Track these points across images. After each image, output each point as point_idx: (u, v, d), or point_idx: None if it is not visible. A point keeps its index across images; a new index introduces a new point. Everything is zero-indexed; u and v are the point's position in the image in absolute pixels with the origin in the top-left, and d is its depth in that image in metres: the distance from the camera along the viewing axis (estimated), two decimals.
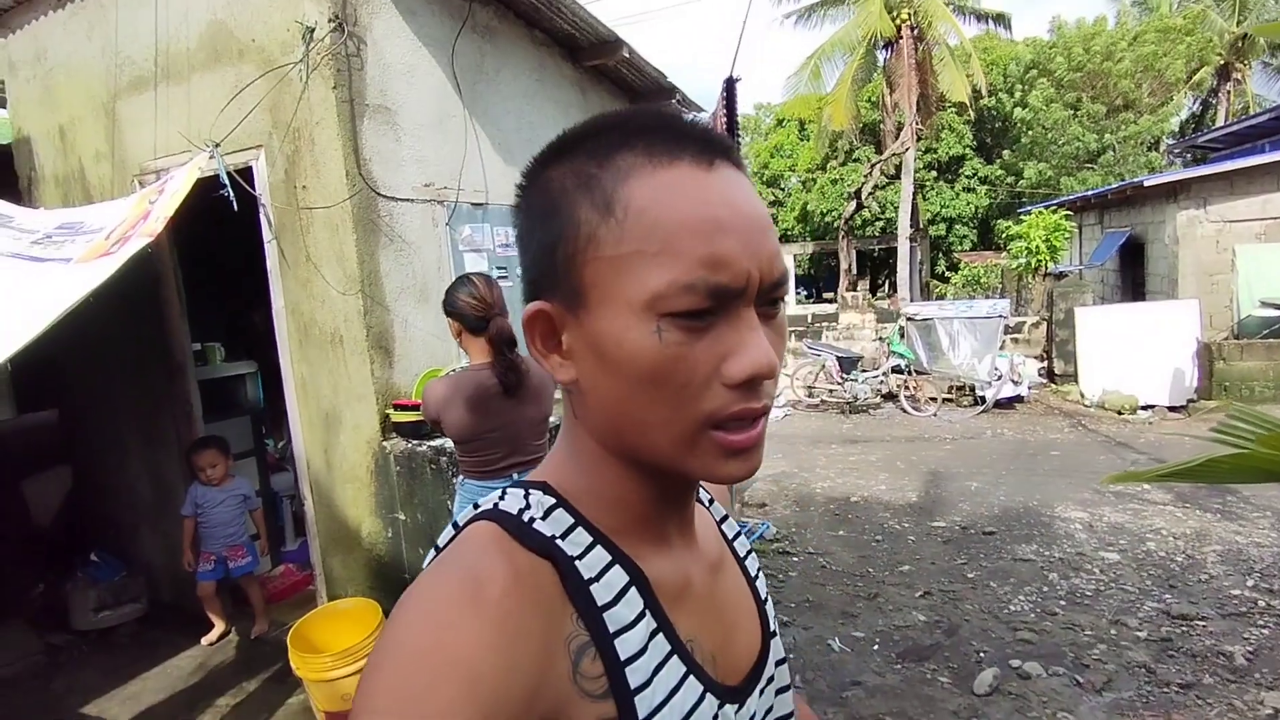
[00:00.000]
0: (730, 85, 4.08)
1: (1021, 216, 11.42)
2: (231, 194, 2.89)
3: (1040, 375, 10.19)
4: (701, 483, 0.66)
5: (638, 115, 0.53)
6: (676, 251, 0.47)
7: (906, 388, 9.44)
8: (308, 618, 2.89)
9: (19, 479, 4.39)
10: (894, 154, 15.16)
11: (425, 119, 3.26)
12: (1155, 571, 4.30)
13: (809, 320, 12.89)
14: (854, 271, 20.55)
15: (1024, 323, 10.60)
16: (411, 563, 3.03)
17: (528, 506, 0.52)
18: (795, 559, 4.83)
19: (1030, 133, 19.16)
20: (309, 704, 2.90)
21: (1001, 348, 9.50)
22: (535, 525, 0.51)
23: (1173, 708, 2.98)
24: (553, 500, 0.54)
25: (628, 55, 4.24)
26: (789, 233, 24.10)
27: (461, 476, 2.45)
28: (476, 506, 0.54)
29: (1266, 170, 9.08)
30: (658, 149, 0.50)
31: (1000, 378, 9.13)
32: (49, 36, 3.68)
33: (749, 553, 0.71)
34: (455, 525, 0.54)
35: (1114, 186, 11.76)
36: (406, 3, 3.13)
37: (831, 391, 9.87)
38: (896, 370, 9.68)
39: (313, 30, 2.79)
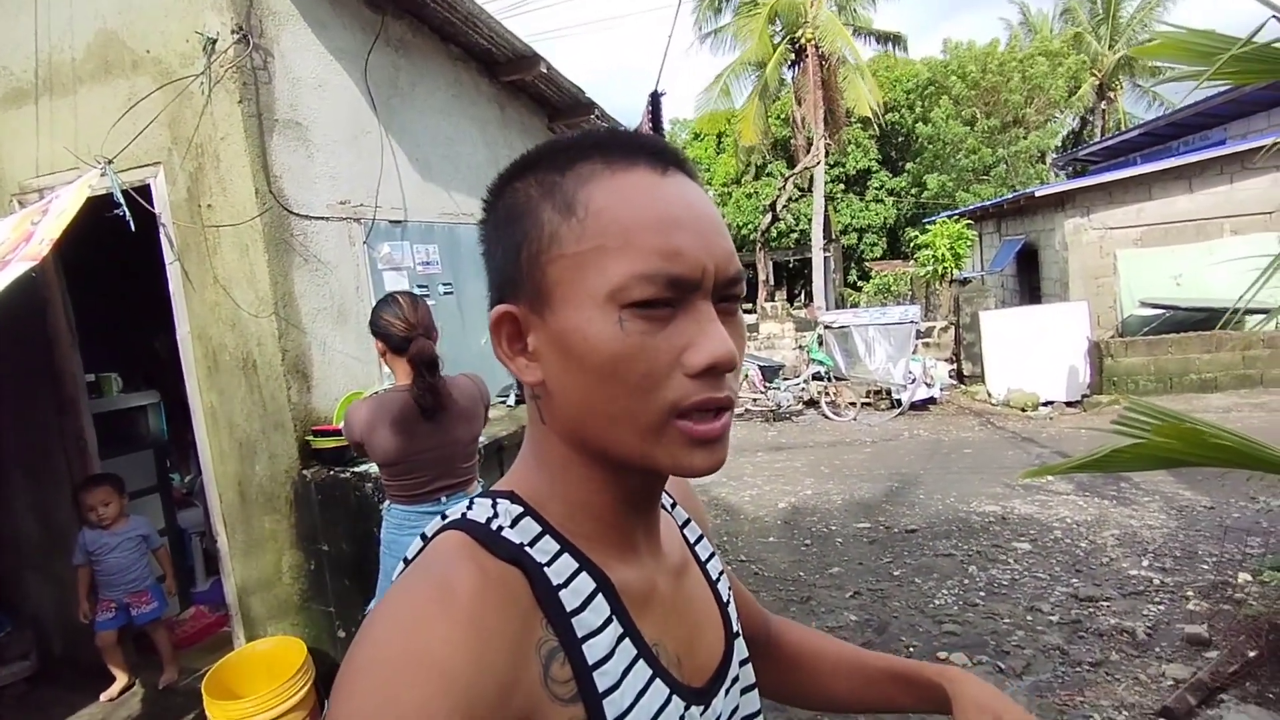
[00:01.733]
0: (655, 99, 4.14)
1: (927, 226, 12.04)
2: (128, 213, 2.70)
3: (951, 377, 10.70)
4: (666, 489, 0.66)
5: (596, 132, 0.56)
6: (635, 245, 0.49)
7: (827, 394, 9.74)
8: (224, 661, 2.72)
9: None
10: (805, 168, 15.71)
11: (339, 135, 3.16)
12: (1063, 558, 4.56)
13: None
14: (771, 282, 21.13)
15: (934, 327, 11.13)
16: (337, 593, 2.89)
17: (495, 515, 0.53)
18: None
19: (932, 146, 20.24)
20: None
21: (914, 352, 9.94)
22: (504, 533, 0.52)
23: (1085, 685, 3.16)
24: (520, 509, 0.54)
25: (545, 70, 4.23)
26: None
27: (388, 502, 2.36)
28: (471, 505, 0.55)
29: (1139, 181, 9.88)
30: (615, 156, 0.53)
31: (914, 381, 9.53)
32: None
33: (711, 555, 0.71)
34: (424, 537, 0.55)
35: (1009, 196, 12.56)
36: (316, 14, 3.03)
37: (755, 400, 10.07)
38: (817, 377, 9.97)
39: (214, 41, 2.66)
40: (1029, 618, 3.82)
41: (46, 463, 3.52)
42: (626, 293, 0.49)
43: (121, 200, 2.69)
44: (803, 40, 15.70)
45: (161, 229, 2.91)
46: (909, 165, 21.85)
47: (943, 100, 19.75)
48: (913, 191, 21.53)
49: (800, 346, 11.46)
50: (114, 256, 3.55)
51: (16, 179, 3.22)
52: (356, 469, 2.82)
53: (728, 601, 0.69)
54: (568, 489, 0.56)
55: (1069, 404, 9.14)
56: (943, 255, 11.28)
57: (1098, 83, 20.61)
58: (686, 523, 0.72)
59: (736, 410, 7.71)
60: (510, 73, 4.26)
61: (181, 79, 2.73)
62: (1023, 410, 9.06)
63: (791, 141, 18.42)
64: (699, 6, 17.17)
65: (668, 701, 0.55)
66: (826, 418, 9.60)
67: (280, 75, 2.85)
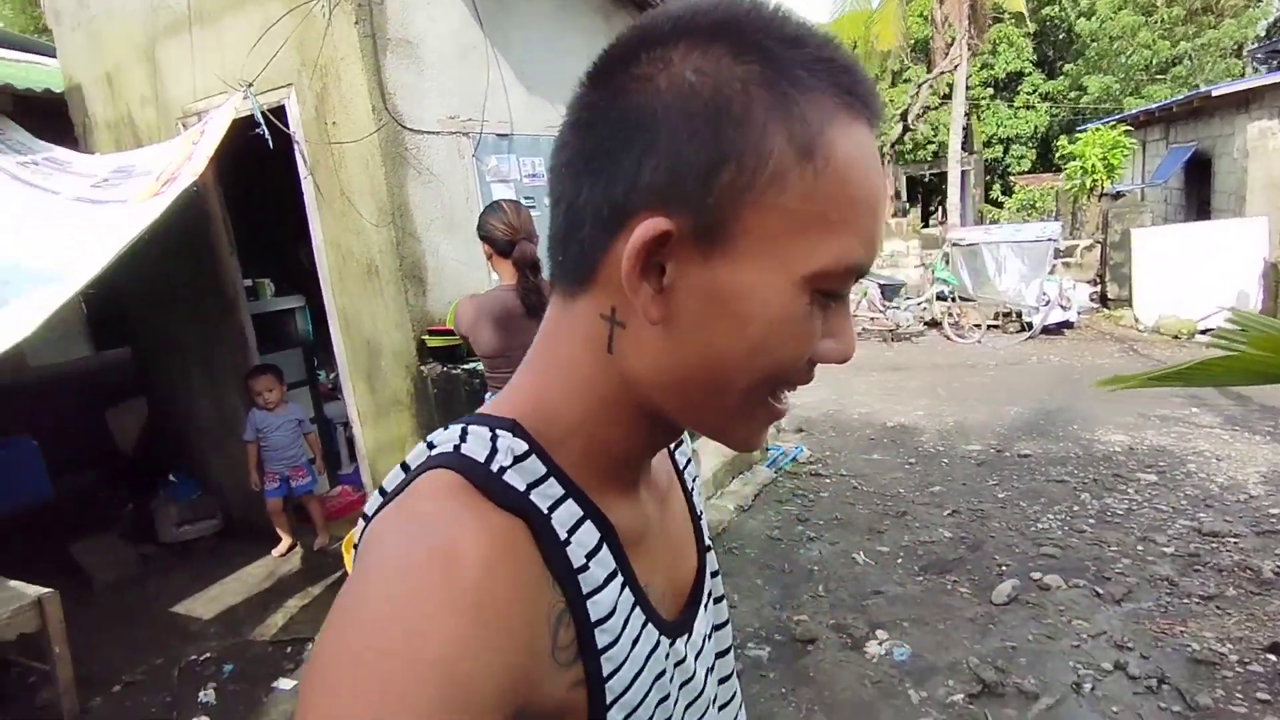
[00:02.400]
0: None
1: (1079, 135, 10.85)
2: (266, 133, 3.01)
3: (1092, 300, 9.87)
4: None
5: (825, 43, 0.45)
6: (855, 228, 0.44)
7: (950, 314, 9.28)
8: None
9: (102, 410, 4.79)
10: (943, 72, 14.41)
11: (447, 51, 3.31)
12: (1192, 492, 4.27)
13: None
14: (904, 198, 19.90)
15: (1076, 246, 10.21)
16: None
17: (495, 452, 0.46)
18: (827, 480, 4.94)
19: (1096, 44, 17.89)
20: None
21: (1051, 272, 9.22)
22: (505, 476, 0.45)
23: (1190, 616, 3.04)
24: (524, 445, 0.47)
25: None
26: None
27: (490, 393, 2.60)
28: (464, 435, 0.47)
29: None
30: (854, 98, 0.44)
31: (1048, 303, 8.88)
32: None
33: (689, 461, 0.69)
34: (405, 467, 0.48)
35: (1179, 98, 10.98)
36: None
37: (873, 319, 9.77)
38: (940, 297, 9.50)
39: None
40: (1140, 548, 3.66)
41: (216, 357, 4.09)
42: (830, 277, 0.44)
43: (261, 121, 2.99)
44: None
45: (296, 146, 3.22)
46: (1068, 66, 19.50)
47: None
48: (1071, 96, 19.28)
49: (925, 265, 10.90)
50: (266, 173, 3.95)
51: (180, 104, 3.63)
52: (466, 366, 3.09)
53: (701, 514, 0.67)
54: (597, 426, 0.50)
55: None
56: (1093, 166, 10.17)
57: None
58: (679, 444, 0.68)
59: (855, 330, 7.81)
60: None
61: (305, 3, 2.95)
62: (1175, 338, 8.26)
63: (931, 43, 16.86)
64: None
65: (656, 644, 0.52)
66: (948, 339, 9.20)
67: None
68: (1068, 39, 19.87)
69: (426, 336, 3.15)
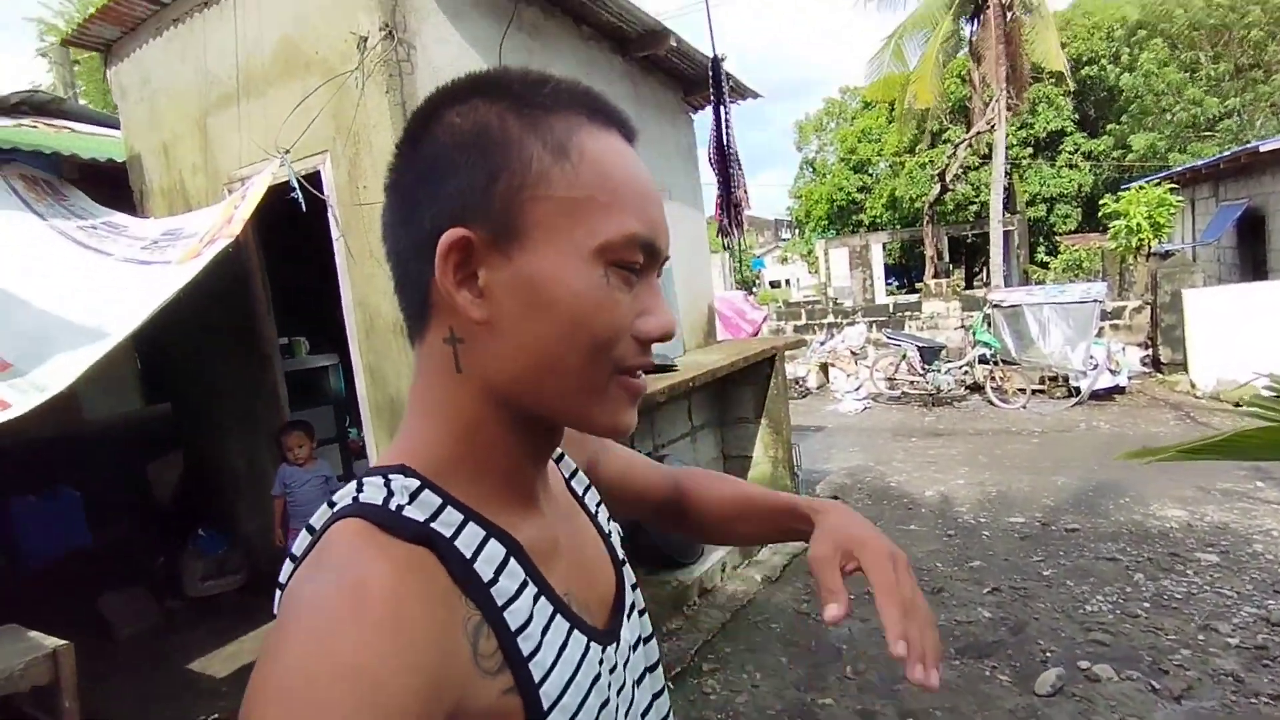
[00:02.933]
0: (715, 65, 4.10)
1: (1123, 192, 10.63)
2: (300, 197, 3.11)
3: (1144, 364, 9.48)
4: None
5: (569, 81, 0.55)
6: (626, 206, 0.51)
7: (993, 378, 9.00)
8: None
9: (145, 463, 4.91)
10: (979, 132, 14.37)
11: None
12: (1259, 575, 3.97)
13: (890, 309, 12.45)
14: (945, 259, 19.69)
15: (1124, 307, 9.87)
16: None
17: (391, 494, 0.49)
18: None
19: (1139, 100, 17.65)
20: None
21: (1099, 334, 8.91)
22: (404, 512, 0.49)
23: (1258, 719, 2.77)
24: (416, 482, 0.51)
25: (676, 44, 4.26)
26: (877, 220, 23.29)
27: None
28: (360, 486, 0.51)
29: None
30: (597, 113, 0.53)
31: (1096, 367, 8.56)
32: (151, 62, 4.05)
33: (587, 488, 0.72)
34: (310, 529, 0.50)
35: (1227, 154, 10.71)
36: (453, 6, 3.27)
37: (913, 383, 9.55)
38: (983, 360, 9.24)
39: (365, 39, 2.97)
40: (1201, 637, 3.38)
41: (250, 412, 4.17)
42: (614, 251, 0.50)
43: (295, 186, 3.09)
44: None
45: (329, 209, 3.32)
46: (1110, 125, 19.29)
47: (1153, 43, 17.00)
48: (1115, 154, 19.02)
49: (965, 327, 10.67)
50: (307, 235, 4.09)
51: (227, 170, 3.80)
52: None
53: (610, 533, 0.70)
54: (473, 447, 0.53)
55: None
56: (1138, 225, 9.91)
57: None
58: (575, 473, 0.71)
59: (893, 392, 7.58)
60: (641, 49, 4.33)
61: (340, 75, 3.08)
62: (1235, 405, 7.85)
63: (969, 103, 16.89)
64: None
65: (586, 650, 0.55)
66: (991, 404, 8.90)
67: (422, 66, 3.12)
68: (1109, 97, 19.72)
69: None
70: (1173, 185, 10.69)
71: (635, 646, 0.66)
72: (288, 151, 3.19)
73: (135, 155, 4.37)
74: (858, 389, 10.42)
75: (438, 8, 3.17)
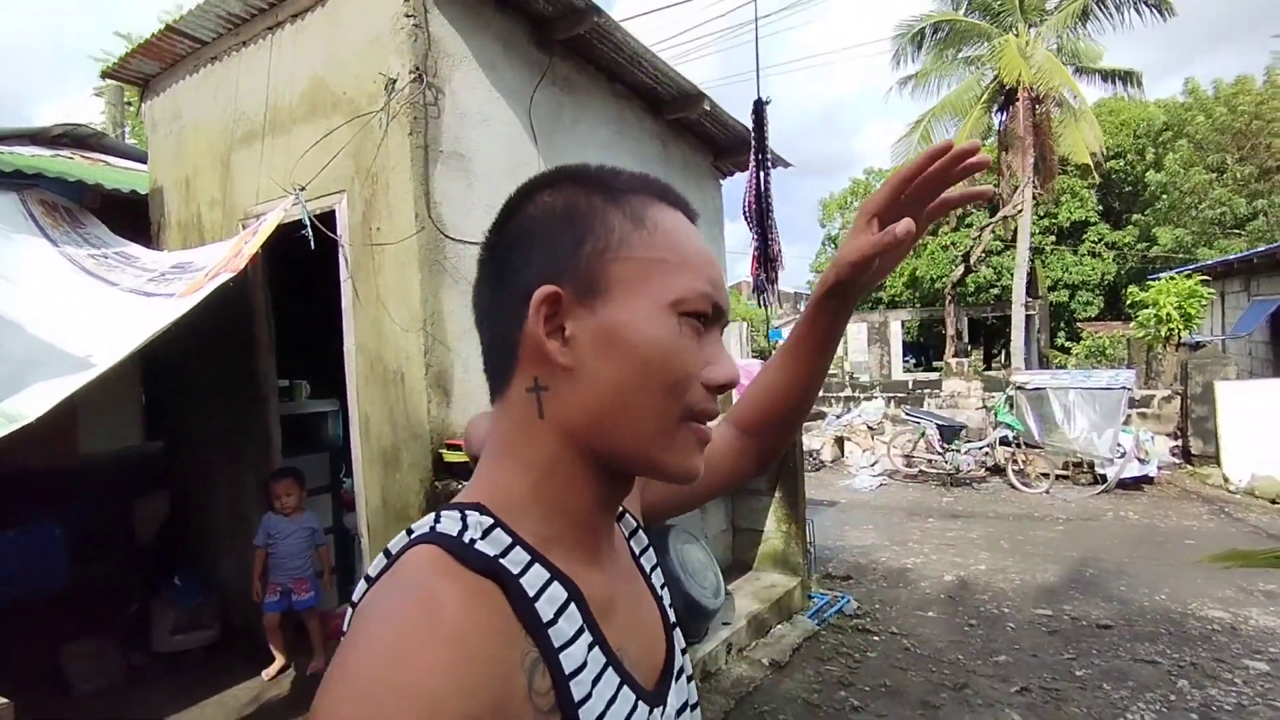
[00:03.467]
0: (759, 108, 4.01)
1: (1150, 283, 10.49)
2: (310, 234, 3.04)
3: (1174, 455, 9.16)
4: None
5: (643, 175, 0.62)
6: (694, 267, 0.58)
7: (1015, 461, 8.71)
8: None
9: (130, 502, 4.72)
10: (1004, 217, 14.45)
11: (499, 166, 3.35)
12: None
13: (909, 386, 12.23)
14: (965, 339, 19.56)
15: (1153, 396, 9.61)
16: None
17: (465, 527, 0.53)
18: (876, 638, 4.42)
19: (1166, 196, 17.76)
20: None
21: (1126, 422, 8.63)
22: (477, 545, 0.52)
23: None
24: (490, 520, 0.55)
25: (709, 109, 4.25)
26: (897, 298, 23.33)
27: None
28: (438, 518, 0.55)
29: None
30: (665, 196, 0.61)
31: (1124, 455, 8.25)
32: (184, 97, 4.09)
33: (645, 549, 0.73)
34: (387, 553, 0.54)
35: (1260, 250, 10.63)
36: (487, 56, 3.27)
37: (931, 462, 9.26)
38: (1004, 442, 8.96)
39: (394, 81, 2.94)
40: None
41: (240, 455, 4.01)
42: (686, 303, 0.56)
43: (307, 224, 3.03)
44: (1014, 84, 14.50)
45: (340, 250, 3.24)
46: (1135, 217, 19.35)
47: (1179, 144, 17.25)
48: (1139, 246, 19.01)
49: (986, 407, 10.42)
50: (320, 278, 4.03)
51: (243, 206, 3.76)
52: None
53: (661, 593, 0.72)
54: (550, 490, 0.57)
55: None
56: (1168, 315, 9.73)
57: None
58: (635, 531, 0.74)
59: (910, 470, 7.34)
60: (674, 111, 4.33)
61: (364, 115, 3.04)
62: (1273, 501, 7.50)
63: (996, 189, 17.10)
64: (899, 43, 16.48)
65: (634, 708, 0.57)
66: (1013, 487, 8.58)
67: (449, 111, 3.09)
68: (1134, 192, 19.86)
69: (445, 450, 2.99)
70: (1204, 278, 10.57)
71: (680, 712, 0.66)
72: (303, 188, 3.14)
73: (157, 188, 4.37)
74: (874, 465, 10.12)
75: (471, 55, 3.16)
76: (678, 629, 0.70)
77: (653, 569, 0.73)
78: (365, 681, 0.42)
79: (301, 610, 3.76)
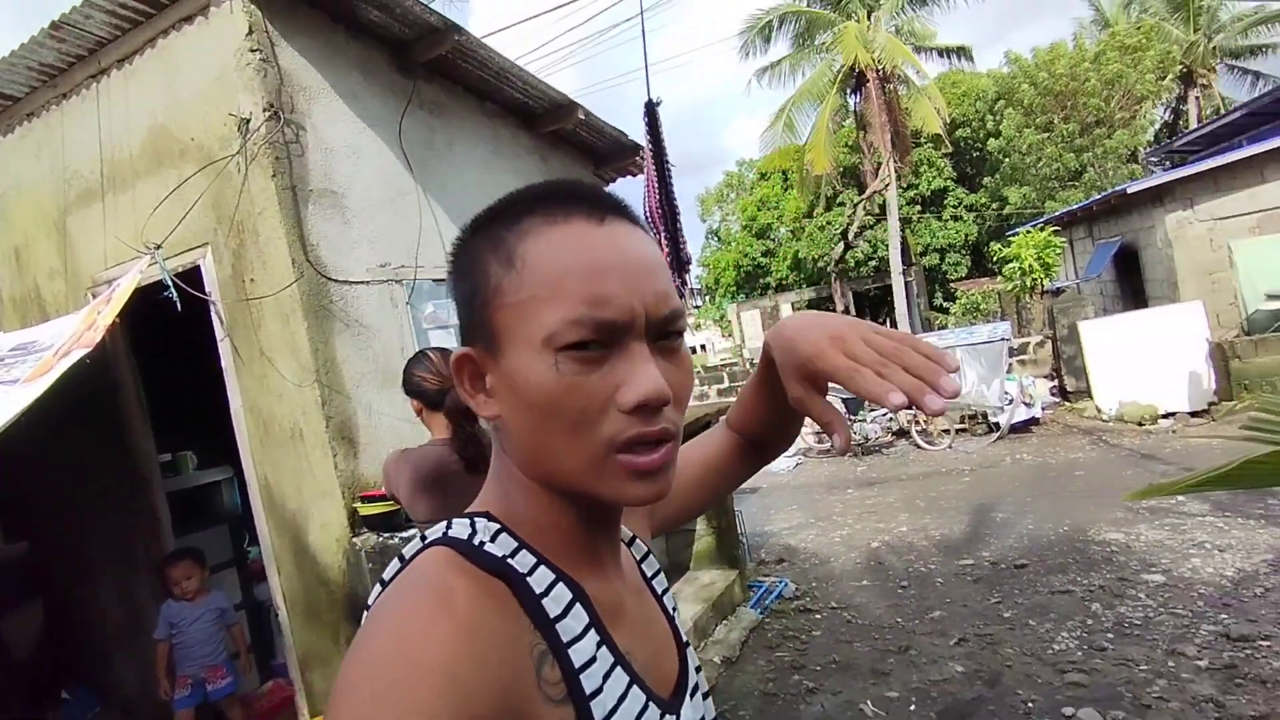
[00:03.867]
0: (650, 109, 4.02)
1: (1010, 239, 11.33)
2: (175, 296, 2.78)
3: (1053, 394, 9.92)
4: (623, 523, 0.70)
5: (541, 185, 0.60)
6: (564, 293, 0.53)
7: (917, 422, 9.19)
8: None
9: None
10: (875, 193, 15.26)
11: (375, 199, 3.19)
12: (1205, 591, 3.99)
13: None
14: (852, 312, 20.47)
15: (1028, 343, 10.39)
16: None
17: (475, 532, 0.56)
18: (818, 616, 4.52)
19: (1008, 159, 19.31)
20: None
21: (1009, 371, 9.28)
22: (485, 547, 0.54)
23: None
24: (496, 525, 0.57)
25: (584, 118, 4.22)
26: (784, 281, 24.15)
27: None
28: (449, 525, 0.57)
29: (1249, 164, 9.00)
30: (553, 209, 0.57)
31: (1012, 402, 8.87)
32: (1, 161, 3.67)
33: (656, 573, 0.74)
34: (402, 558, 0.56)
35: (1098, 197, 11.68)
36: (346, 86, 3.10)
37: None
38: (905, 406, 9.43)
39: (248, 121, 2.73)
40: (1171, 663, 3.31)
41: (125, 545, 3.63)
42: (558, 338, 0.52)
43: (170, 284, 2.77)
44: (862, 66, 15.35)
45: (212, 307, 2.99)
46: (986, 180, 20.91)
47: (1007, 112, 18.82)
48: (993, 206, 20.54)
49: None
50: (190, 337, 3.70)
51: (90, 273, 3.41)
52: (404, 534, 2.73)
53: (674, 613, 0.72)
54: (534, 510, 0.59)
55: (1194, 414, 8.26)
56: (1030, 266, 10.55)
57: (1184, 70, 19.28)
58: (645, 556, 0.74)
59: (823, 446, 7.49)
60: (549, 123, 4.27)
61: (220, 160, 2.82)
62: (1140, 424, 8.25)
63: (860, 168, 18.00)
64: (747, 36, 17.09)
65: (645, 707, 0.58)
66: (919, 447, 9.04)
67: (313, 147, 2.91)
68: (982, 156, 21.43)
69: (359, 504, 2.80)
70: (1054, 229, 11.49)
71: None
72: (159, 246, 2.87)
73: None
74: (795, 454, 10.43)
75: (329, 86, 2.99)
76: (691, 648, 0.70)
77: (664, 592, 0.73)
78: (382, 661, 0.43)
79: (219, 700, 3.44)
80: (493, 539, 0.56)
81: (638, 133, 4.29)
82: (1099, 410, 8.88)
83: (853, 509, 7.00)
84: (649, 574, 0.73)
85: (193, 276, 3.00)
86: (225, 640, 3.51)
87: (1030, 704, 3.15)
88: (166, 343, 3.82)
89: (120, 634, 3.69)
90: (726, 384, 13.54)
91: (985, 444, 8.70)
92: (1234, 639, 3.41)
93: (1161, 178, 9.92)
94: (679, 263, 4.19)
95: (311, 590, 2.94)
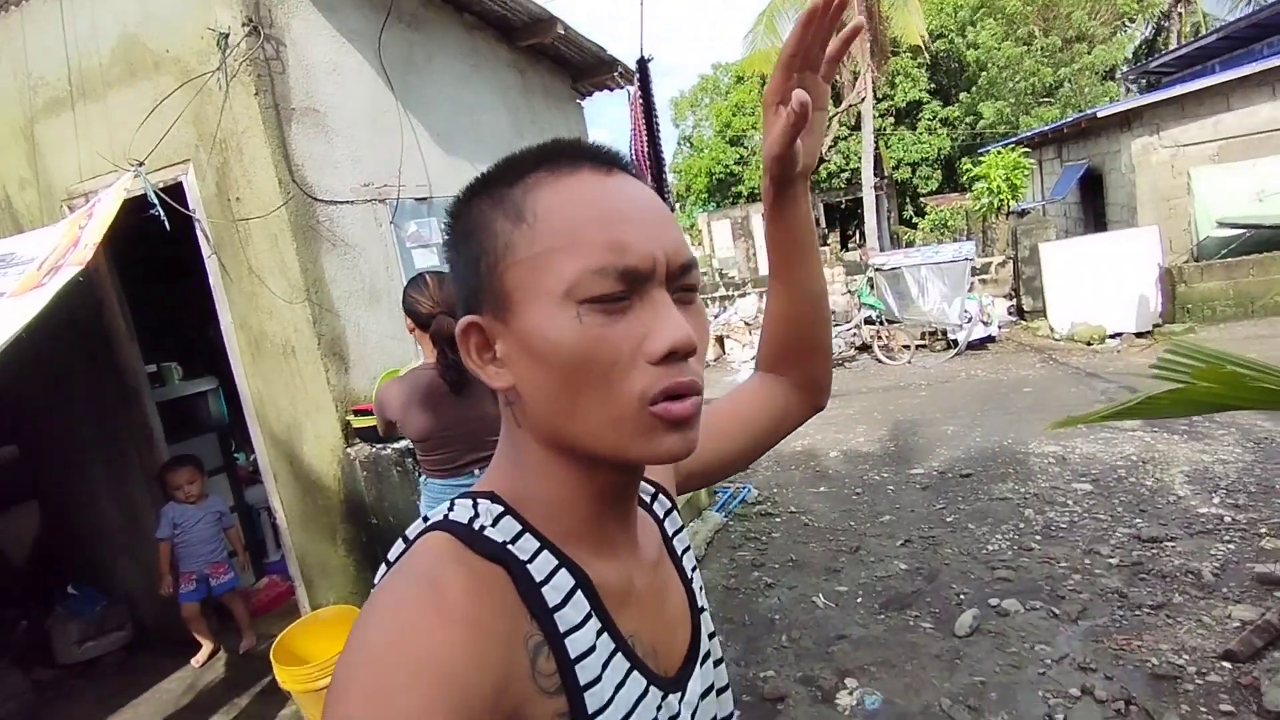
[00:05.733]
0: (642, 65, 4.00)
1: (981, 157, 11.41)
2: (162, 213, 2.81)
3: (1010, 314, 10.29)
4: (645, 480, 0.70)
5: (542, 145, 0.58)
6: (583, 242, 0.51)
7: (879, 338, 9.51)
8: (290, 630, 2.89)
9: None
10: (851, 104, 15.05)
11: (357, 117, 3.18)
12: (1126, 498, 4.40)
13: None
14: (823, 225, 20.55)
15: (990, 263, 10.68)
16: None
17: (476, 515, 0.54)
18: (778, 519, 4.89)
19: (985, 72, 19.07)
20: (300, 714, 2.92)
21: (970, 290, 9.58)
22: (486, 532, 0.53)
23: (1144, 629, 3.08)
24: (500, 508, 0.56)
25: (563, 32, 4.15)
26: (755, 191, 23.95)
27: (424, 476, 2.44)
28: (452, 506, 0.56)
29: (1215, 91, 9.11)
30: (560, 163, 0.55)
31: (970, 320, 9.20)
32: None
33: (679, 530, 0.73)
34: (405, 539, 0.56)
35: (1069, 119, 11.75)
36: None
37: None
38: (869, 321, 9.74)
39: (226, 36, 2.70)
40: (1087, 561, 3.72)
41: (120, 453, 3.76)
42: (581, 288, 0.51)
43: (155, 201, 2.79)
44: None
45: (196, 225, 3.02)
46: (962, 95, 20.70)
47: (987, 22, 18.43)
48: (968, 120, 20.43)
49: (850, 291, 11.19)
50: (168, 250, 3.70)
51: (64, 185, 3.37)
52: (396, 445, 2.91)
53: (693, 576, 0.71)
54: (545, 489, 0.57)
55: (1139, 335, 8.69)
56: (998, 187, 10.71)
57: None
58: (669, 512, 0.73)
59: None
60: (528, 37, 4.20)
61: (200, 76, 2.79)
62: (1088, 344, 8.67)
63: (838, 78, 17.62)
64: None
65: (645, 691, 0.57)
66: (880, 362, 9.40)
67: (294, 63, 2.88)
68: (959, 68, 21.10)
69: (352, 417, 2.96)
70: (1024, 149, 11.57)
71: (705, 695, 0.66)
72: (141, 163, 2.86)
73: None
74: (754, 359, 10.73)
75: (308, 0, 2.92)
76: (705, 614, 0.70)
77: (685, 551, 0.72)
78: (377, 656, 0.43)
79: (222, 594, 3.69)
80: (495, 522, 0.54)
81: (617, 51, 4.25)
82: (1052, 330, 9.28)
83: (814, 420, 7.33)
84: (671, 531, 0.71)
85: (174, 193, 3.01)
86: (224, 540, 3.73)
87: (962, 596, 3.54)
88: (143, 258, 3.82)
89: (121, 536, 3.88)
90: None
91: (943, 360, 9.08)
92: (1144, 540, 3.83)
93: (1130, 102, 9.99)
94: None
95: (307, 495, 3.13)
